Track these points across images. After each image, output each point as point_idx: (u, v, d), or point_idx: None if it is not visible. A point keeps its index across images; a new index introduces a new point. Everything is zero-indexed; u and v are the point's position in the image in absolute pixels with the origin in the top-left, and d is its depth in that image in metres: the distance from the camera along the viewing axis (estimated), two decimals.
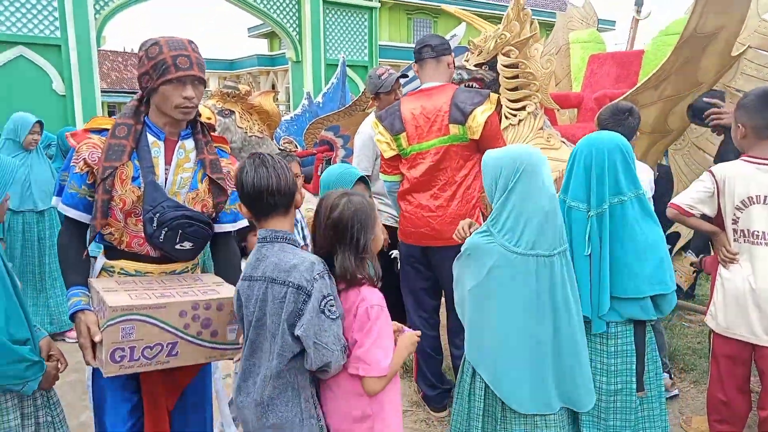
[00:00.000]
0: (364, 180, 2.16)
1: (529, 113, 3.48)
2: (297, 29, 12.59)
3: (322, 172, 3.23)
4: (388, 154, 2.94)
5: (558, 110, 4.39)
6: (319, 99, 5.35)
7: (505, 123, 3.48)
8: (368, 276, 1.67)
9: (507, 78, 3.48)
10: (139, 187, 1.82)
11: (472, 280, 1.93)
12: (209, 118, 4.11)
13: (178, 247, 1.86)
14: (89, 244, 1.86)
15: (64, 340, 4.31)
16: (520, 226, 1.84)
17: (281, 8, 12.20)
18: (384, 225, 3.40)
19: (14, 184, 3.74)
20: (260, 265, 1.62)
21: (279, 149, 4.87)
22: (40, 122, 4.23)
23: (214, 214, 1.99)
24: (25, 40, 9.13)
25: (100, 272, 1.93)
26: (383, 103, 3.59)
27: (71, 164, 1.83)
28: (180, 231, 1.84)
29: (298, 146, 4.70)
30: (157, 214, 1.80)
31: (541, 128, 3.50)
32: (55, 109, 9.42)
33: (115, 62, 33.11)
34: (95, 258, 1.97)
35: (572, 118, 4.86)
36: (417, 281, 3.05)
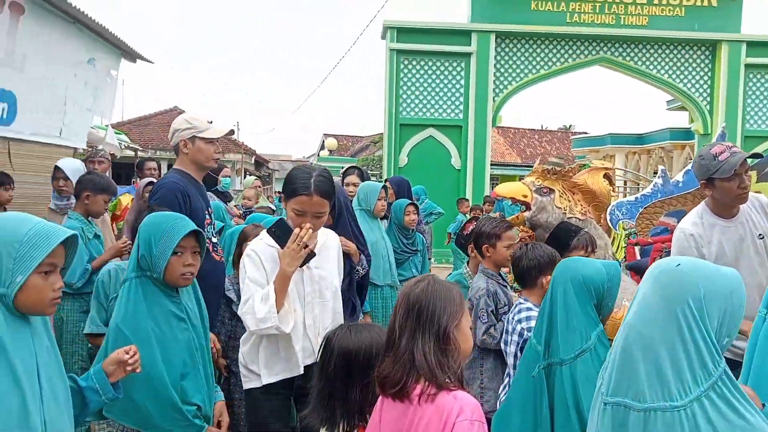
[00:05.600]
0: None
1: None
2: (708, 98, 11.09)
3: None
4: None
5: None
6: (679, 177, 4.42)
7: None
8: (458, 377, 1.39)
9: None
10: None
11: None
12: (525, 196, 3.89)
13: None
14: None
15: None
16: None
17: (689, 77, 10.98)
18: None
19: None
20: None
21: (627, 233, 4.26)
22: (384, 188, 4.32)
23: None
24: (435, 123, 10.74)
25: None
26: (718, 192, 2.66)
27: None
28: None
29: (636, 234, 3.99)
30: None
31: None
32: (451, 182, 10.66)
33: (532, 139, 35.90)
34: None
35: None
36: None
